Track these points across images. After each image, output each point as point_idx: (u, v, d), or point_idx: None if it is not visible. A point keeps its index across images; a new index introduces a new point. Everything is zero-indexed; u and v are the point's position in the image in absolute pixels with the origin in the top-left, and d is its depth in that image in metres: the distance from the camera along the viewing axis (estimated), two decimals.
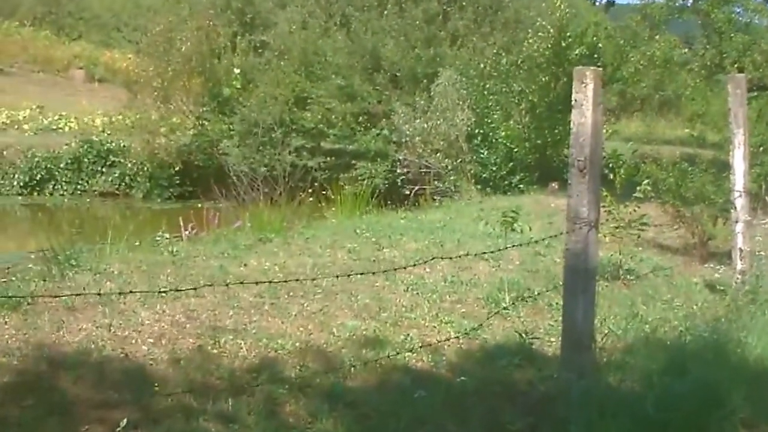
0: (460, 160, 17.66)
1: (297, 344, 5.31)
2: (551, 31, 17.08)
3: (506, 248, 5.44)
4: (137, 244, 8.96)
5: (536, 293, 7.33)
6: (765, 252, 8.83)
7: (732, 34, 19.25)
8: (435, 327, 6.06)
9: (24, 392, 4.21)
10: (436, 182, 17.75)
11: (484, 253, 4.94)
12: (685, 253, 10.13)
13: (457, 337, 5.84)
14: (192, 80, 22.27)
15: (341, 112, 20.81)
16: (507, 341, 6.00)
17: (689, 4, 20.65)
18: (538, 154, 17.74)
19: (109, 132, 23.03)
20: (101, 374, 4.54)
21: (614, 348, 6.04)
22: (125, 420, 3.96)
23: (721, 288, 7.82)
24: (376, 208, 13.98)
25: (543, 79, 17.23)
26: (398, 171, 19.03)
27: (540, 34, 17.47)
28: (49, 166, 21.28)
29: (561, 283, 8.03)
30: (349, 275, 5.48)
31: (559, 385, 4.91)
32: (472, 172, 17.55)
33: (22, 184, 20.87)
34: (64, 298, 5.56)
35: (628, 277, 8.47)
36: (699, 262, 9.58)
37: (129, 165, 21.59)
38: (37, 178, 21.06)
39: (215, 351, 5.09)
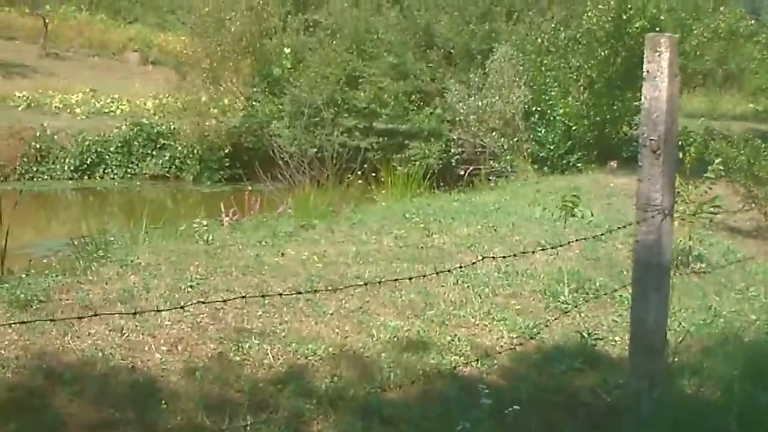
0: (516, 138, 16.96)
1: (330, 349, 4.76)
2: (612, 2, 16.22)
3: (569, 243, 4.80)
4: (176, 230, 8.52)
5: (598, 285, 6.71)
6: None
7: None
8: (486, 326, 5.47)
9: (11, 412, 3.73)
10: (491, 162, 17.09)
11: (543, 249, 4.31)
12: (757, 237, 9.40)
13: (511, 338, 5.25)
14: (242, 61, 21.83)
15: (393, 90, 20.15)
16: (567, 341, 5.39)
17: None
18: (596, 132, 17.02)
19: (160, 114, 22.76)
20: (104, 389, 4.05)
21: (687, 348, 5.38)
22: None
23: None
24: (428, 189, 13.41)
25: (602, 53, 16.44)
26: (452, 151, 18.38)
27: (600, 6, 16.62)
28: (99, 149, 21.06)
29: (623, 271, 7.44)
30: (378, 282, 4.90)
31: (627, 395, 4.29)
32: (528, 151, 16.85)
33: (72, 168, 20.66)
34: (80, 295, 5.08)
35: (699, 264, 7.78)
36: None
37: (179, 148, 21.26)
38: (88, 162, 20.86)
39: (238, 358, 4.57)
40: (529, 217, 9.62)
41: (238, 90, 22.05)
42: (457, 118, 17.98)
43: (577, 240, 4.86)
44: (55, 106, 24.31)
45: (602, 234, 5.85)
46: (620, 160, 16.13)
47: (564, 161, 16.65)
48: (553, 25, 18.81)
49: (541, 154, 16.79)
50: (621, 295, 6.40)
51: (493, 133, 17.13)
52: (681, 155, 7.99)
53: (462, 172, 17.34)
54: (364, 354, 4.76)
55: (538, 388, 4.50)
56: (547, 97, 17.20)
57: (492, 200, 11.58)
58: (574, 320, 5.82)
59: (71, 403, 3.87)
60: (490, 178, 16.56)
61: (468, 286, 6.42)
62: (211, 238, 7.65)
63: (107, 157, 21.15)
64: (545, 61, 17.68)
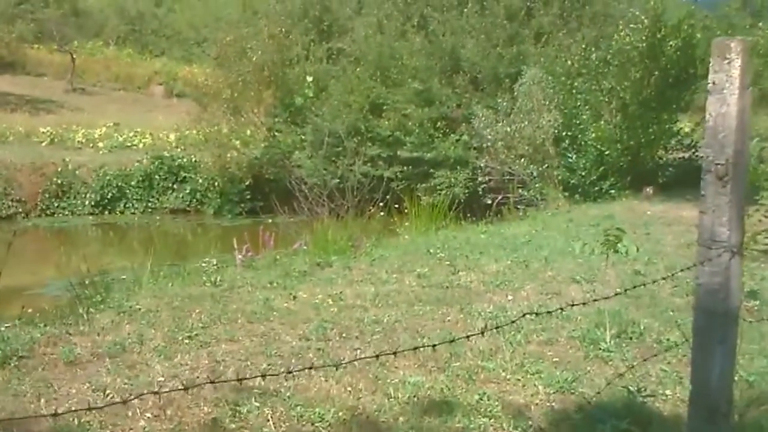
0: (546, 165, 16.32)
1: (341, 413, 4.14)
2: (645, 22, 15.60)
3: (625, 290, 4.16)
4: (183, 269, 7.98)
5: (642, 328, 6.03)
6: None
7: None
8: (519, 380, 4.82)
9: None
10: (520, 190, 16.46)
11: (595, 300, 3.69)
12: None
13: (548, 394, 4.60)
14: (264, 90, 21.46)
15: (418, 117, 19.62)
16: (611, 397, 4.71)
17: None
18: (630, 157, 16.40)
19: (183, 147, 22.46)
20: None
21: (750, 404, 4.69)
22: None
23: None
24: (454, 220, 12.79)
25: (635, 74, 15.79)
26: (479, 179, 17.76)
27: (632, 25, 16.01)
28: (120, 184, 20.79)
29: (669, 311, 6.78)
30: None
31: None
32: (559, 178, 16.20)
33: (93, 203, 20.40)
34: (65, 349, 4.52)
35: (752, 302, 7.08)
36: None
37: (200, 180, 20.92)
38: (108, 196, 20.57)
39: (233, 426, 3.95)
40: (563, 250, 8.97)
41: (259, 120, 21.66)
42: (484, 145, 17.40)
43: (634, 286, 4.20)
44: (78, 141, 24.15)
45: (663, 278, 5.18)
46: (656, 185, 15.48)
47: (596, 188, 15.99)
48: (583, 47, 18.23)
49: (572, 181, 16.13)
50: (667, 339, 5.74)
51: (522, 160, 16.53)
52: None
53: (490, 201, 16.75)
54: (379, 419, 4.13)
55: None
56: (578, 121, 16.58)
57: (522, 232, 10.94)
58: (617, 371, 5.15)
59: None
60: (519, 207, 15.93)
61: (498, 331, 5.78)
62: (219, 279, 7.08)
63: (128, 191, 20.85)
64: (576, 84, 17.09)
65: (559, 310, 3.31)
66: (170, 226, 20.08)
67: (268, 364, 4.74)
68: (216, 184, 20.70)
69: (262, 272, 7.60)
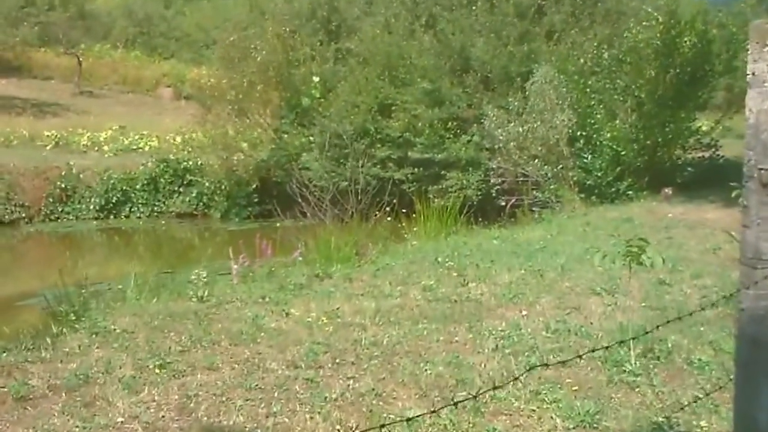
0: (560, 166, 15.72)
1: None
2: (659, 18, 14.99)
3: (667, 322, 3.59)
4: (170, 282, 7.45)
5: (670, 345, 5.46)
6: None
7: None
8: (534, 411, 4.25)
9: None
10: (534, 192, 15.86)
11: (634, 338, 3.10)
12: None
13: (567, 428, 4.04)
14: (269, 91, 20.91)
15: (428, 118, 19.01)
16: (639, 430, 4.15)
17: None
18: (647, 156, 15.85)
19: (189, 149, 21.95)
20: None
21: None
22: None
23: None
24: (466, 225, 12.24)
25: (650, 72, 15.20)
26: (492, 181, 17.17)
27: (645, 23, 15.42)
28: (124, 188, 20.31)
29: (699, 326, 6.20)
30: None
31: None
32: (574, 179, 15.60)
33: (98, 207, 19.91)
34: (16, 384, 3.99)
35: None
36: None
37: (206, 184, 20.42)
38: (113, 200, 20.09)
39: None
40: (580, 257, 8.39)
41: (265, 122, 21.11)
42: (496, 146, 16.81)
43: (669, 321, 3.63)
44: (83, 144, 23.73)
45: (703, 308, 4.60)
46: (675, 186, 14.89)
47: (613, 189, 15.40)
48: (595, 44, 17.63)
49: (588, 182, 15.54)
50: (698, 359, 5.18)
51: (536, 161, 15.94)
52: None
53: (503, 204, 16.17)
54: None
55: None
56: (592, 121, 16.00)
57: (536, 237, 10.38)
58: (644, 398, 4.59)
59: None
60: (534, 209, 15.36)
61: (510, 352, 5.23)
62: (207, 293, 6.55)
63: (133, 195, 20.37)
64: (589, 83, 16.51)
65: (577, 359, 2.76)
66: (176, 231, 19.59)
67: (246, 400, 4.18)
68: (223, 187, 20.20)
69: (255, 285, 7.08)
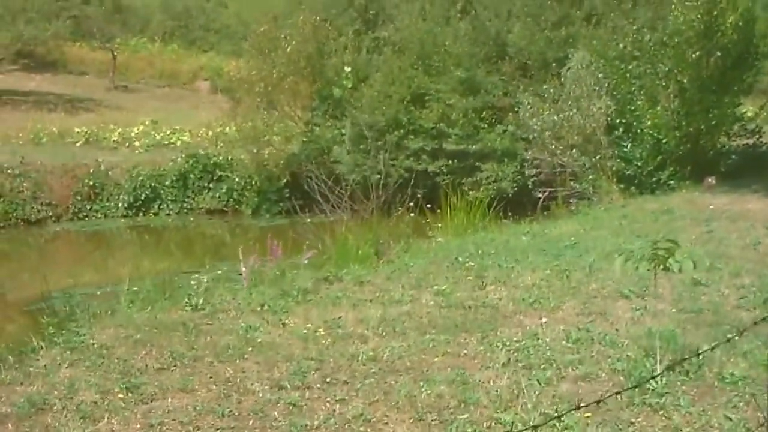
0: (599, 156, 15.04)
1: None
2: None
3: (711, 348, 3.03)
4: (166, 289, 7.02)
5: (702, 358, 4.83)
6: None
7: None
8: None
9: None
10: (571, 183, 15.20)
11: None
12: None
13: None
14: (300, 83, 20.41)
15: (462, 108, 18.37)
16: None
17: None
18: (689, 145, 15.13)
19: (220, 144, 21.53)
20: None
21: None
22: None
23: None
24: (495, 219, 11.66)
25: (693, 56, 14.44)
26: (527, 172, 16.53)
27: (687, 3, 14.62)
28: (153, 184, 19.91)
29: (736, 335, 5.57)
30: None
31: None
32: (613, 169, 14.91)
33: (126, 205, 19.53)
34: None
35: None
36: None
37: (236, 179, 19.97)
38: (142, 197, 19.72)
39: None
40: (611, 254, 7.76)
41: (296, 114, 20.62)
42: (531, 136, 16.16)
43: (709, 349, 3.07)
44: (114, 141, 23.45)
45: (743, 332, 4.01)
46: (718, 175, 14.14)
47: (653, 179, 14.68)
48: (635, 28, 16.85)
49: (628, 172, 14.84)
50: (731, 372, 4.59)
51: (573, 151, 15.27)
52: None
53: (540, 195, 15.54)
54: None
55: None
56: (632, 108, 15.28)
57: (568, 231, 9.78)
58: (671, 420, 4.01)
59: None
60: (571, 201, 14.71)
61: (523, 366, 4.68)
62: (203, 301, 6.08)
63: (162, 192, 19.97)
64: (630, 68, 15.76)
65: (595, 404, 2.23)
66: (206, 227, 19.24)
67: (216, 430, 3.69)
68: (254, 182, 19.72)
69: (257, 291, 6.60)
